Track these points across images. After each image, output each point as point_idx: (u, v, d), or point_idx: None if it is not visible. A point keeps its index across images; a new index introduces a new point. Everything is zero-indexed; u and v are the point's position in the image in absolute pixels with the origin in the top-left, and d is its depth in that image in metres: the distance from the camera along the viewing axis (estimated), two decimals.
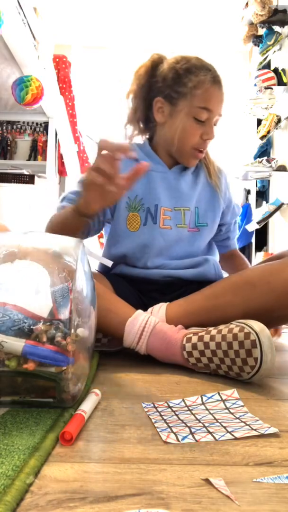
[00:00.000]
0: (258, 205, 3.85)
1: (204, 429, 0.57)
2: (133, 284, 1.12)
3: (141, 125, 1.18)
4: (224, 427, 0.57)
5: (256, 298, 0.88)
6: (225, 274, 1.22)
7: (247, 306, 0.88)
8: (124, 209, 1.11)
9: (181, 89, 1.07)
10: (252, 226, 3.40)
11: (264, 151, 3.68)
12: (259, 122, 3.84)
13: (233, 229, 1.29)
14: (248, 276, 0.91)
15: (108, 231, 1.19)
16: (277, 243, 3.44)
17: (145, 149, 1.16)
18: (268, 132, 3.44)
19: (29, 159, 4.17)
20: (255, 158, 3.61)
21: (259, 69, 3.56)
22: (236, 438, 0.54)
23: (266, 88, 3.35)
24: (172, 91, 1.08)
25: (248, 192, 4.22)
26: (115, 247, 1.14)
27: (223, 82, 1.08)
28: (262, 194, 3.93)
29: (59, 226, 0.99)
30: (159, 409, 0.64)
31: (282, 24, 3.29)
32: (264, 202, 3.65)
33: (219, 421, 0.60)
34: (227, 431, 0.56)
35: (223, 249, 1.31)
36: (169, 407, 0.65)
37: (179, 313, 0.94)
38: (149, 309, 0.97)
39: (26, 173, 3.84)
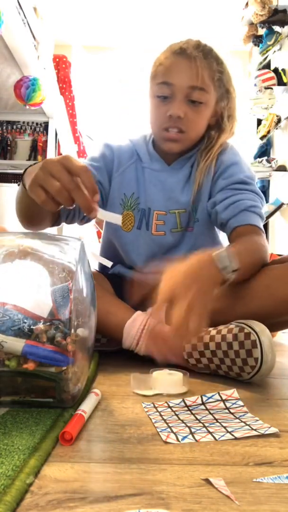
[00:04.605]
0: None
1: (204, 429, 0.57)
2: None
3: None
4: (224, 427, 0.57)
5: (255, 303, 0.87)
6: None
7: (246, 310, 0.87)
8: (119, 206, 1.08)
9: (150, 75, 1.06)
10: None
11: (264, 151, 3.68)
12: (259, 122, 3.84)
13: (227, 198, 1.02)
14: (248, 280, 0.90)
15: (104, 229, 1.18)
16: (277, 244, 3.44)
17: (148, 146, 1.12)
18: (268, 132, 3.45)
19: (29, 159, 4.16)
20: (255, 158, 3.61)
21: (259, 69, 3.56)
22: (236, 438, 0.54)
23: (266, 88, 3.36)
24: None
25: None
26: (109, 246, 1.14)
27: (194, 53, 0.99)
28: (262, 194, 3.92)
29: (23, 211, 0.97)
30: (159, 409, 0.64)
31: (282, 24, 3.29)
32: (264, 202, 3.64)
33: (219, 421, 0.60)
34: (227, 431, 0.56)
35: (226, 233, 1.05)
36: (169, 407, 0.65)
37: None
38: (148, 310, 0.97)
39: None
